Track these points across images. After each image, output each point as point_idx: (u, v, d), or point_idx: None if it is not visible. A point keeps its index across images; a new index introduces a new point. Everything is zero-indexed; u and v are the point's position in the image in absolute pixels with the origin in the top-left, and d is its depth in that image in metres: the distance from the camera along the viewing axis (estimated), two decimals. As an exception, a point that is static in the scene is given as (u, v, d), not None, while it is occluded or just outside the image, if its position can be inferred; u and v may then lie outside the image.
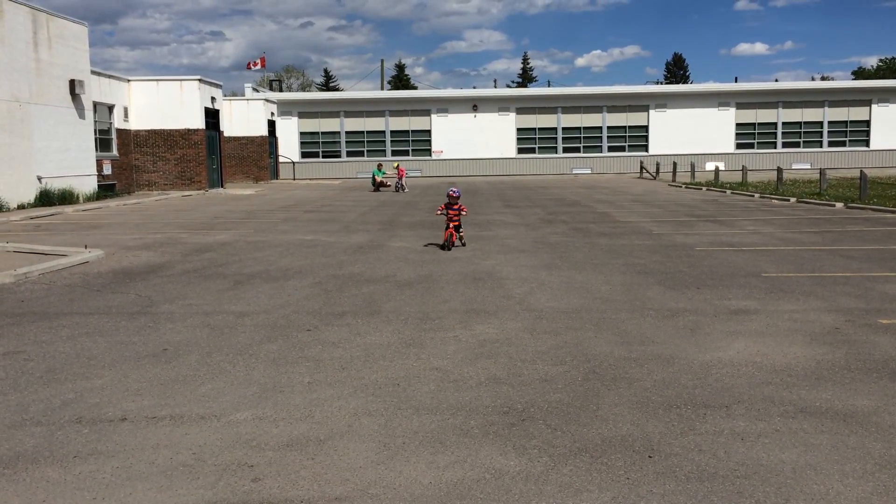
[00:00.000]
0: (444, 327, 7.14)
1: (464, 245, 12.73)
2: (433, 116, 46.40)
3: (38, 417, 4.83)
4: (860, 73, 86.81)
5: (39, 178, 22.72)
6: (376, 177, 31.75)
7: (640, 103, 46.53)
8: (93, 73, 26.88)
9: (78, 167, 25.00)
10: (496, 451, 4.23)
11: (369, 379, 5.57)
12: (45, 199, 22.64)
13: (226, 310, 8.03)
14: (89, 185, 25.76)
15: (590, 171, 46.06)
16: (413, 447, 4.30)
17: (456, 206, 12.39)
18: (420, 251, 12.48)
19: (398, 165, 32.27)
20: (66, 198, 23.52)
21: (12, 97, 21.48)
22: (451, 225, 12.41)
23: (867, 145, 46.54)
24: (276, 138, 44.44)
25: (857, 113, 46.59)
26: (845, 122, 46.69)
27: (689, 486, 3.77)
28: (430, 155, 46.53)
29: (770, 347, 6.31)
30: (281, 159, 45.20)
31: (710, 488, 3.74)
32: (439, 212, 12.72)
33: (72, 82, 24.44)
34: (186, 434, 4.52)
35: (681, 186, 31.52)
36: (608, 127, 46.55)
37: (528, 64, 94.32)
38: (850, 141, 46.73)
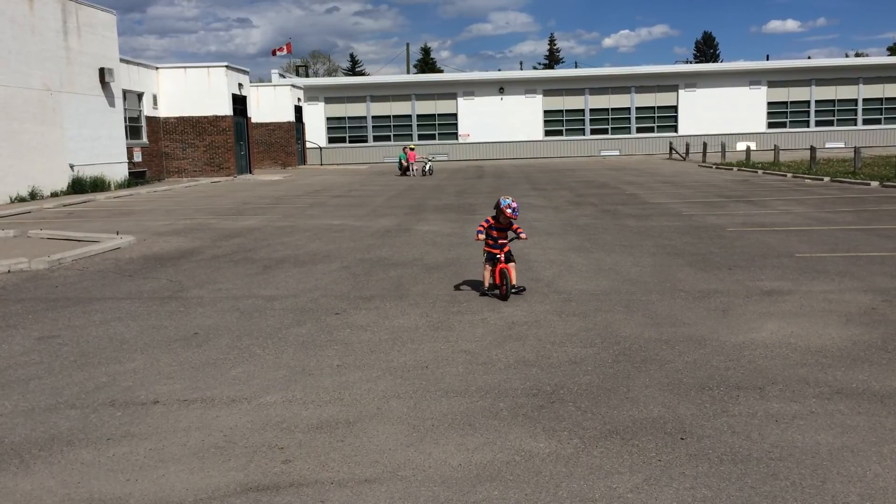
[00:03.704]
0: (472, 310, 7.12)
1: (518, 291, 7.64)
2: (459, 100, 46.22)
3: (73, 400, 4.90)
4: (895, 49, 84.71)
5: (71, 166, 23.03)
6: (403, 161, 31.72)
7: (669, 83, 45.91)
8: (122, 61, 27.12)
9: (109, 155, 25.30)
10: (526, 433, 4.21)
11: (398, 362, 5.58)
12: (78, 186, 22.95)
13: (255, 294, 8.08)
14: (120, 172, 26.06)
15: (618, 153, 45.60)
16: (442, 429, 4.29)
17: (513, 228, 7.62)
18: (448, 234, 12.45)
19: (413, 148, 32.11)
20: (98, 185, 23.82)
21: (43, 86, 21.76)
22: (501, 256, 7.48)
23: (904, 123, 45.50)
24: (302, 124, 44.57)
25: (892, 90, 45.53)
26: (880, 99, 45.66)
27: (723, 467, 3.71)
28: (457, 139, 46.40)
29: (804, 328, 6.20)
30: (308, 145, 45.34)
31: (743, 470, 3.68)
32: (481, 233, 7.60)
33: (101, 70, 24.68)
34: (217, 417, 4.56)
35: (711, 167, 31.09)
36: (636, 108, 46.02)
37: (554, 45, 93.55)
38: (885, 119, 45.70)
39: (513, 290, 7.54)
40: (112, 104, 25.58)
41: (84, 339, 6.41)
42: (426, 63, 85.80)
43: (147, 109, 30.19)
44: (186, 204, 19.66)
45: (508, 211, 7.44)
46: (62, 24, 22.74)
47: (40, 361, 5.79)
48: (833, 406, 4.50)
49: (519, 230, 7.68)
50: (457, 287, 6.79)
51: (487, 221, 7.62)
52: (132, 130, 28.74)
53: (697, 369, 5.22)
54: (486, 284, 7.60)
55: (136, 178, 27.77)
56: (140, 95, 29.70)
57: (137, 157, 28.84)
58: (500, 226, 7.59)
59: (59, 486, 3.69)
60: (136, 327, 6.76)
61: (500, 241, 7.54)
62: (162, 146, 31.47)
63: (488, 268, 7.59)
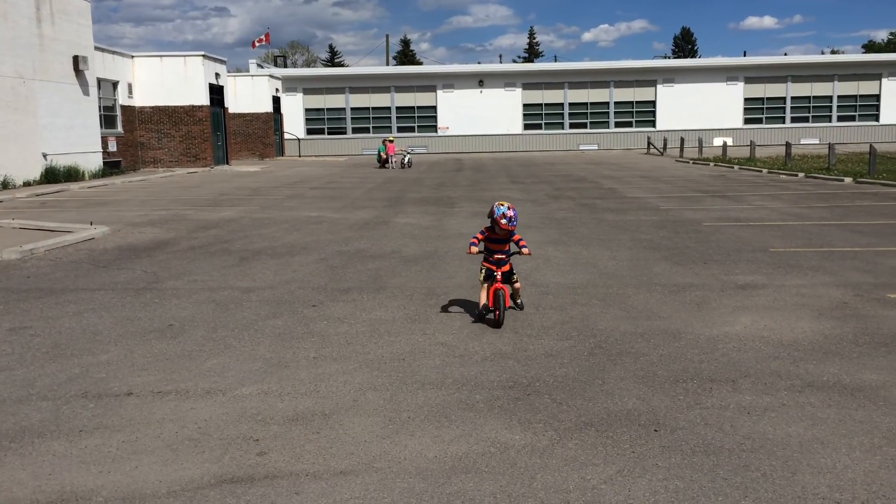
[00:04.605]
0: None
1: (520, 307, 6.76)
2: (439, 92, 46.12)
3: (45, 392, 4.84)
4: (870, 47, 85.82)
5: (45, 156, 22.69)
6: (382, 153, 31.62)
7: (648, 78, 46.12)
8: (96, 49, 26.74)
9: (83, 144, 24.96)
10: (501, 425, 4.23)
11: (374, 354, 5.57)
12: (51, 176, 22.63)
13: (231, 286, 8.02)
14: (94, 162, 25.73)
15: (597, 148, 45.79)
16: (418, 421, 4.29)
17: (513, 240, 6.51)
18: (426, 227, 12.44)
19: (392, 140, 31.96)
20: (72, 175, 23.50)
21: (16, 74, 21.40)
22: (498, 274, 6.30)
23: (877, 120, 46.10)
24: (281, 115, 44.26)
25: (866, 87, 46.10)
26: (855, 96, 46.24)
27: (695, 459, 3.75)
28: (436, 131, 46.30)
29: (777, 322, 6.28)
30: (286, 136, 45.05)
31: (715, 462, 3.72)
32: (475, 246, 6.40)
33: (76, 58, 24.32)
34: (192, 408, 4.53)
35: (688, 162, 31.33)
36: (615, 102, 46.20)
37: (534, 39, 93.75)
38: (859, 115, 46.29)
39: (515, 305, 6.63)
40: (86, 92, 25.23)
41: (57, 330, 6.34)
42: (406, 55, 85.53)
43: (122, 98, 29.81)
44: (162, 194, 19.47)
45: (504, 222, 6.19)
46: (35, 11, 22.36)
47: (12, 353, 5.71)
48: (804, 399, 4.56)
49: (521, 242, 6.49)
50: (444, 309, 6.71)
51: (483, 233, 6.43)
52: (107, 119, 28.37)
53: (672, 362, 5.27)
54: (481, 304, 6.44)
55: (111, 167, 27.44)
56: (115, 84, 29.31)
57: (112, 147, 28.48)
58: (497, 237, 6.38)
59: (29, 478, 3.65)
60: (109, 319, 6.69)
61: (496, 257, 6.36)
62: (137, 136, 31.11)
63: (486, 287, 6.38)
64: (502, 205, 6.26)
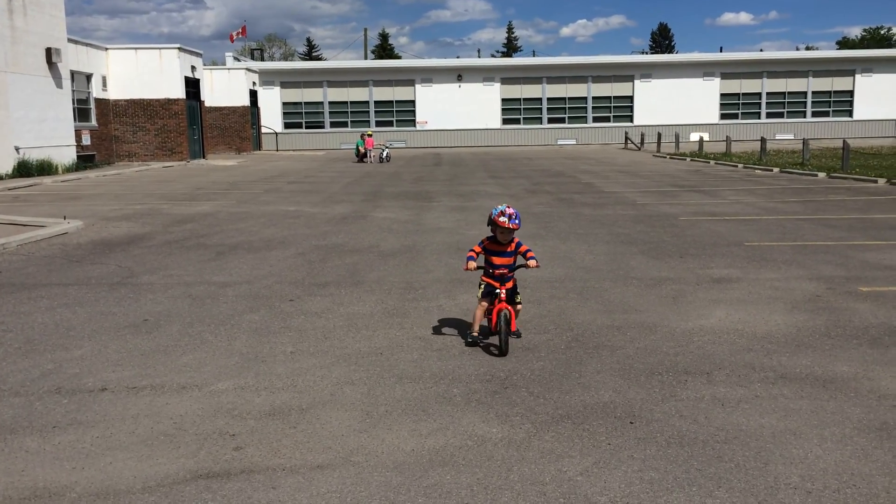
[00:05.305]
0: (427, 297, 7.13)
1: (517, 335, 5.64)
2: (417, 87, 45.99)
3: (17, 388, 4.78)
4: (844, 43, 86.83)
5: (17, 149, 22.35)
6: (360, 147, 31.52)
7: (626, 73, 46.31)
8: (70, 41, 26.35)
9: (56, 137, 24.61)
10: (479, 418, 4.24)
11: (352, 348, 5.56)
12: (24, 169, 22.30)
13: (207, 280, 7.97)
14: (68, 155, 25.38)
15: (574, 142, 45.93)
16: (396, 415, 4.29)
17: (510, 249, 5.51)
18: (404, 221, 12.42)
19: (370, 135, 31.90)
20: (45, 169, 23.18)
21: (-13, 66, 21.05)
22: (502, 291, 5.44)
23: (850, 116, 46.66)
24: (258, 108, 43.93)
25: (840, 83, 46.63)
26: (829, 92, 46.74)
27: (670, 450, 3.79)
28: (415, 126, 46.20)
29: (751, 315, 6.35)
30: (263, 130, 44.73)
31: (690, 453, 3.76)
32: (472, 259, 5.52)
33: (48, 50, 23.96)
34: (167, 404, 4.49)
35: (665, 157, 31.54)
36: (593, 97, 46.35)
37: (512, 33, 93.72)
38: (833, 111, 46.81)
39: (513, 336, 5.55)
40: (59, 85, 24.87)
41: (29, 325, 6.26)
42: (384, 49, 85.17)
43: (96, 91, 29.42)
44: (137, 188, 19.26)
45: (503, 220, 5.31)
46: (7, 2, 21.98)
47: (-17, 348, 5.63)
48: (777, 390, 4.62)
49: (529, 254, 5.53)
50: (436, 330, 5.93)
51: (482, 244, 5.56)
52: (81, 113, 28.00)
53: (648, 355, 5.31)
54: (476, 328, 5.57)
55: (85, 161, 27.07)
56: (89, 77, 28.92)
57: (86, 140, 28.11)
58: (500, 248, 5.48)
59: (1, 474, 3.61)
60: (83, 314, 6.61)
61: (498, 272, 5.47)
62: (112, 129, 30.74)
63: (483, 305, 5.53)
64: (500, 204, 5.51)
